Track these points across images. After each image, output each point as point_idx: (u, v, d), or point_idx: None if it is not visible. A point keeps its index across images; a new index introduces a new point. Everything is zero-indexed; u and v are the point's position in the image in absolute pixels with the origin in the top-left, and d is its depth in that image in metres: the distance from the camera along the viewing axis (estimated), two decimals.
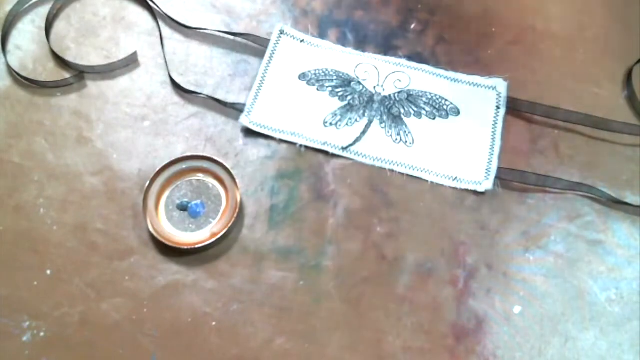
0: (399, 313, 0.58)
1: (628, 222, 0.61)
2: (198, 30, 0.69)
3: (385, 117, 0.65)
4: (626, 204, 0.62)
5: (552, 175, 0.63)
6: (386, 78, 0.66)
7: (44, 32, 0.69)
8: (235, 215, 0.60)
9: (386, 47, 0.68)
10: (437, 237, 0.61)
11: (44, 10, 0.70)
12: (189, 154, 0.63)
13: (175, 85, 0.66)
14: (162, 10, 0.70)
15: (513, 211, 0.62)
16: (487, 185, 0.62)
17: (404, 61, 0.67)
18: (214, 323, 0.57)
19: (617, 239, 0.61)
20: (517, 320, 0.58)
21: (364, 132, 0.64)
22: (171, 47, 0.69)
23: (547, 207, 0.62)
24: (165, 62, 0.67)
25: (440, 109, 0.66)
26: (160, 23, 0.70)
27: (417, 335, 0.57)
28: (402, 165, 0.63)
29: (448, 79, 0.67)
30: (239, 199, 0.61)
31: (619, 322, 0.58)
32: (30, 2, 0.70)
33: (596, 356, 0.57)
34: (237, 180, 0.61)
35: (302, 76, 0.66)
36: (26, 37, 0.69)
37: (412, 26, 0.69)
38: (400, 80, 0.67)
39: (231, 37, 0.68)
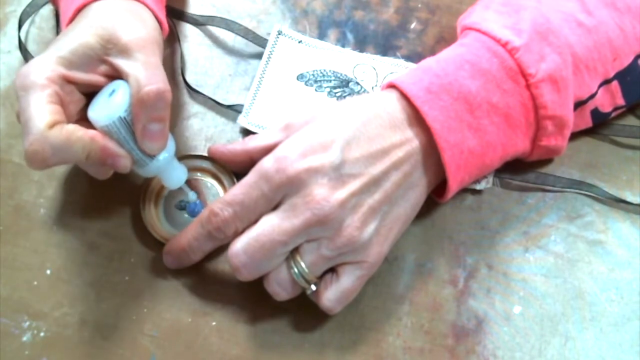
0: (399, 313, 0.58)
1: (628, 222, 0.61)
2: (197, 28, 0.69)
3: None
4: (627, 202, 0.61)
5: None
6: (384, 78, 0.65)
7: (44, 33, 0.69)
8: None
9: (386, 47, 0.68)
10: (437, 237, 0.61)
11: (45, 11, 0.70)
12: (187, 153, 0.63)
13: (186, 84, 0.66)
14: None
15: (513, 211, 0.61)
16: (486, 184, 0.62)
17: (401, 61, 0.66)
18: (214, 323, 0.57)
19: (617, 239, 0.60)
20: (517, 320, 0.58)
21: None
22: (171, 47, 0.68)
23: (547, 206, 0.62)
24: (170, 63, 0.67)
25: None
26: None
27: (417, 335, 0.57)
28: None
29: None
30: None
31: (619, 322, 0.58)
32: (30, 2, 0.70)
33: (596, 356, 0.56)
34: (236, 180, 0.61)
35: (300, 77, 0.65)
36: (27, 38, 0.69)
37: (412, 26, 0.69)
38: None
39: (231, 37, 0.68)
